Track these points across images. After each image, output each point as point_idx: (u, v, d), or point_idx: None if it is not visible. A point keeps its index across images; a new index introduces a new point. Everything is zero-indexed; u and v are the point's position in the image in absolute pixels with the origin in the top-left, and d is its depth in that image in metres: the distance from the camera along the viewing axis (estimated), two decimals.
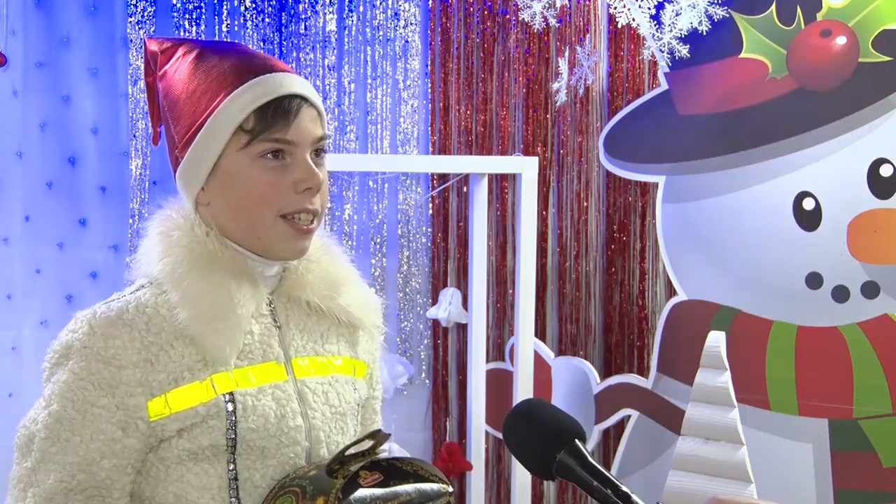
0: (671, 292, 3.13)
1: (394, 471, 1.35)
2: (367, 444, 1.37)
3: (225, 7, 3.35)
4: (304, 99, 1.42)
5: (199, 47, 1.46)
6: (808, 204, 2.78)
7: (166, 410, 1.35)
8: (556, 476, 1.20)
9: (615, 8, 2.86)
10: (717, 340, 2.75)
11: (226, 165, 1.40)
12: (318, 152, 1.44)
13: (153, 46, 1.50)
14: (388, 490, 1.31)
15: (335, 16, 3.41)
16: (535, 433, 1.21)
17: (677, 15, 2.82)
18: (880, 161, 2.68)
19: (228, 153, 1.40)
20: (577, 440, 1.19)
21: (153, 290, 1.40)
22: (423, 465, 1.37)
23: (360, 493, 1.30)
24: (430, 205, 3.48)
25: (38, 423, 1.36)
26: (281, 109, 1.39)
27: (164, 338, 1.36)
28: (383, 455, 1.39)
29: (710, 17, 2.82)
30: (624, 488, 1.16)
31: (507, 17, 3.41)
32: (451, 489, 1.37)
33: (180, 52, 1.46)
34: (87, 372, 1.34)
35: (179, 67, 1.45)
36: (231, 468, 1.37)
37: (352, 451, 1.36)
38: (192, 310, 1.36)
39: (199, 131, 1.40)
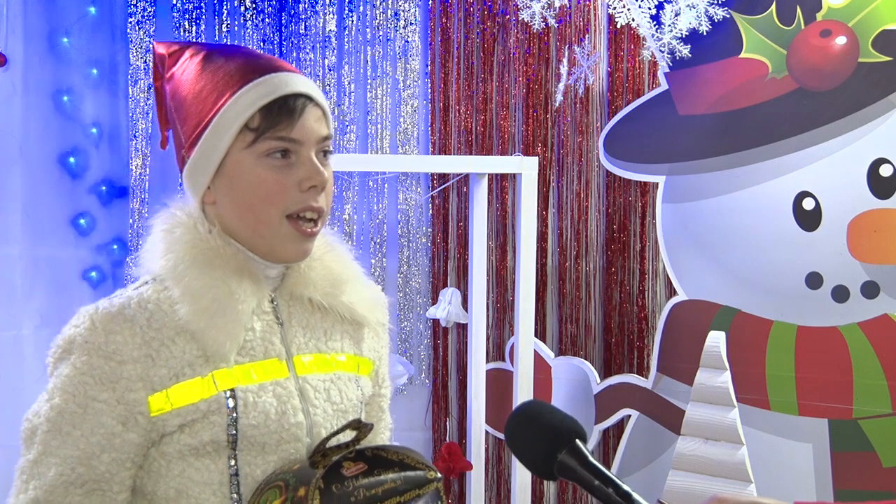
0: (671, 292, 3.13)
1: (379, 460, 1.35)
2: (350, 434, 1.37)
3: (225, 7, 3.36)
4: (308, 98, 1.43)
5: (206, 49, 1.47)
6: (808, 204, 2.78)
7: (167, 406, 1.35)
8: (558, 476, 1.21)
9: (615, 8, 2.86)
10: (717, 340, 2.75)
11: (231, 164, 1.41)
12: (324, 153, 1.45)
13: (161, 49, 1.51)
14: (372, 479, 1.31)
15: (335, 16, 3.42)
16: (537, 434, 1.22)
17: (677, 15, 2.82)
18: (880, 161, 2.68)
19: (234, 152, 1.41)
20: (577, 440, 1.20)
21: (155, 286, 1.41)
22: (408, 454, 1.37)
23: (345, 482, 1.29)
24: (430, 205, 3.48)
25: (40, 416, 1.37)
26: (286, 108, 1.40)
27: (166, 333, 1.37)
28: (368, 444, 1.39)
29: (710, 18, 2.82)
30: (625, 487, 1.16)
31: (507, 17, 3.41)
32: (438, 476, 1.37)
33: (187, 54, 1.48)
34: (88, 366, 1.35)
35: (186, 69, 1.46)
36: (232, 464, 1.38)
37: (334, 442, 1.36)
38: (193, 305, 1.37)
39: (206, 130, 1.41)
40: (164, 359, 1.36)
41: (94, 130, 3.27)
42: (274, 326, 1.45)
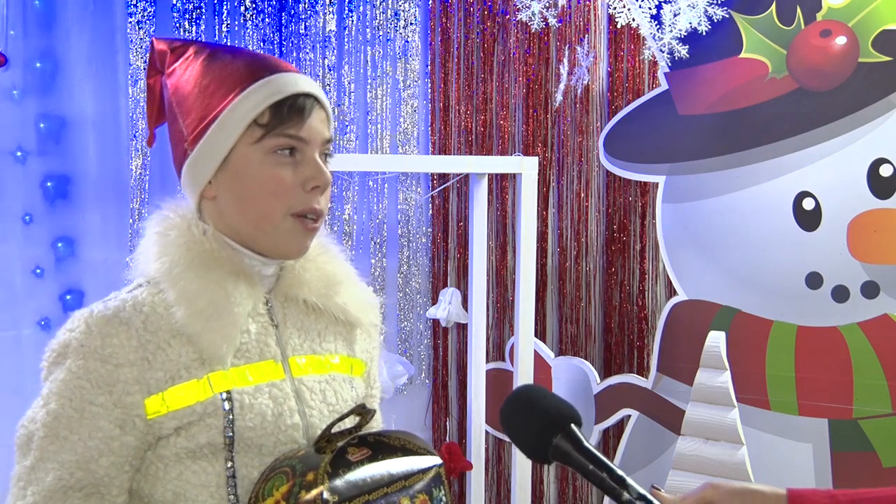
0: (671, 292, 3.13)
1: (381, 446, 1.36)
2: (353, 420, 1.38)
3: (225, 7, 3.35)
4: (316, 99, 1.44)
5: (210, 48, 1.49)
6: (808, 204, 2.78)
7: (163, 408, 1.35)
8: (553, 460, 1.21)
9: (615, 8, 2.86)
10: (717, 340, 2.75)
11: (237, 159, 1.41)
12: (325, 155, 1.46)
13: (161, 46, 1.52)
14: (378, 472, 1.31)
15: (335, 16, 3.41)
16: (532, 418, 1.23)
17: (676, 15, 2.82)
18: (880, 161, 2.68)
19: (240, 147, 1.41)
20: (572, 425, 1.20)
21: (150, 289, 1.41)
22: (410, 439, 1.38)
23: (351, 466, 1.30)
24: (430, 205, 3.48)
25: (36, 422, 1.36)
26: (296, 107, 1.41)
27: (161, 336, 1.36)
28: (372, 430, 1.40)
29: (709, 18, 2.82)
30: (619, 472, 1.17)
31: (507, 17, 3.41)
32: (440, 461, 1.38)
33: (191, 50, 1.49)
34: (84, 370, 1.34)
35: (191, 65, 1.46)
36: (229, 466, 1.37)
37: (338, 427, 1.36)
38: (189, 308, 1.37)
39: (212, 125, 1.41)
40: (160, 362, 1.35)
41: (93, 130, 3.27)
42: (269, 328, 1.45)
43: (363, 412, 1.37)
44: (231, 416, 1.36)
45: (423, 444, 1.39)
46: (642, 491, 1.17)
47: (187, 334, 1.36)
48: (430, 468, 1.36)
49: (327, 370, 1.49)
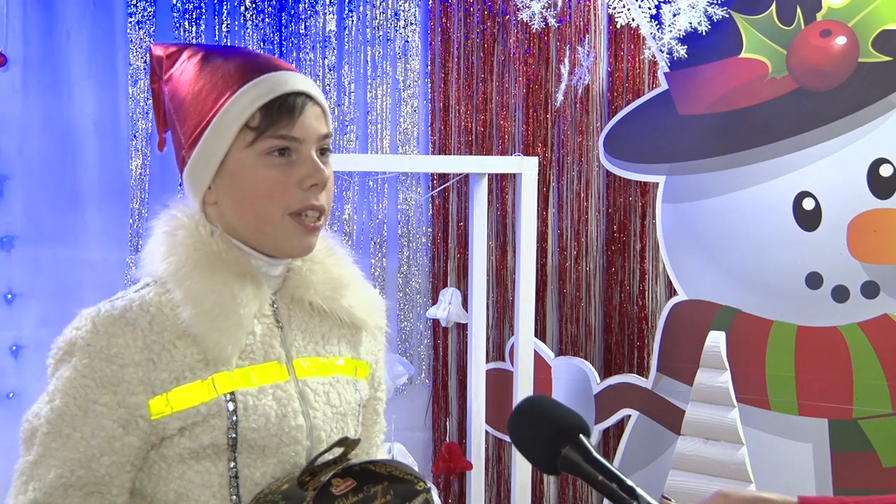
0: (671, 292, 3.13)
1: (367, 475, 1.34)
2: (338, 451, 1.37)
3: (225, 7, 3.35)
4: (308, 97, 1.43)
5: (204, 50, 1.48)
6: (808, 204, 2.78)
7: (167, 409, 1.35)
8: (562, 471, 1.20)
9: (615, 8, 2.86)
10: (717, 340, 2.75)
11: (232, 163, 1.41)
12: (324, 151, 1.45)
13: (158, 52, 1.51)
14: (361, 495, 1.31)
15: (335, 16, 3.41)
16: (540, 429, 1.22)
17: (676, 15, 2.82)
18: (880, 161, 2.68)
19: (234, 151, 1.41)
20: (581, 435, 1.20)
21: (157, 288, 1.40)
22: (397, 466, 1.37)
23: (335, 502, 1.28)
24: (430, 205, 3.48)
25: (40, 418, 1.37)
26: (286, 106, 1.40)
27: (167, 337, 1.36)
28: (358, 460, 1.39)
29: (709, 18, 2.82)
30: (629, 482, 1.16)
31: (507, 17, 3.41)
32: (427, 486, 1.37)
33: (185, 55, 1.48)
34: (89, 369, 1.35)
35: (185, 70, 1.46)
36: (232, 466, 1.37)
37: (322, 460, 1.36)
38: (195, 309, 1.36)
39: (206, 130, 1.41)
40: (165, 362, 1.35)
41: (93, 130, 3.27)
42: (274, 330, 1.45)
43: (347, 443, 1.36)
44: (235, 418, 1.36)
45: (410, 471, 1.37)
46: (653, 501, 1.15)
47: (193, 335, 1.36)
48: (416, 495, 1.35)
49: (331, 372, 1.49)
